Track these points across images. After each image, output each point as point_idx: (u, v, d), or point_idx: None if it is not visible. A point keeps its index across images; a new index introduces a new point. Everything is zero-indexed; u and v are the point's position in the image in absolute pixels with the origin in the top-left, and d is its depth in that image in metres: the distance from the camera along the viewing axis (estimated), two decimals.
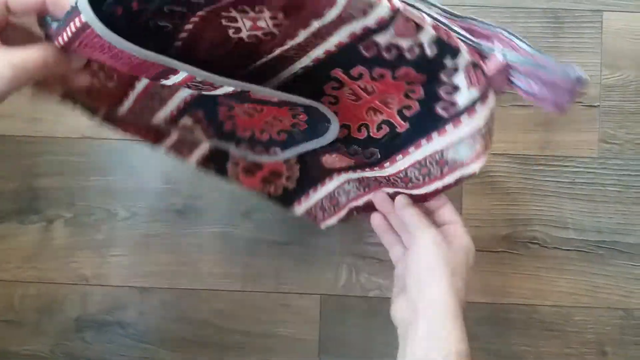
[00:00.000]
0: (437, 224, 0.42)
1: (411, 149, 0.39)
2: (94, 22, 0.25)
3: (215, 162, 0.44)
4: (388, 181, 0.42)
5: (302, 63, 0.34)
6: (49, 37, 0.30)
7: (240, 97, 0.32)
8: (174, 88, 0.37)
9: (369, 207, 0.46)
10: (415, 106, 0.36)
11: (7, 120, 0.52)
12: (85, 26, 0.25)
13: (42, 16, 0.30)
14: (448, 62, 0.32)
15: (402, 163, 0.40)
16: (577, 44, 0.52)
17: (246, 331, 0.52)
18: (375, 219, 0.45)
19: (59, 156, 0.52)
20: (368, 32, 0.30)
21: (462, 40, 0.33)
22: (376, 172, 0.42)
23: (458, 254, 0.39)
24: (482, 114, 0.35)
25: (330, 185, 0.46)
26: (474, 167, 0.37)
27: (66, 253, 0.52)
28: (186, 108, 0.39)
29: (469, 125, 0.35)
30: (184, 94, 0.38)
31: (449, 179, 0.39)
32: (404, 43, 0.31)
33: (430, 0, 0.33)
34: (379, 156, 0.40)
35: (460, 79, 0.33)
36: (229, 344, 0.52)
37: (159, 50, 0.27)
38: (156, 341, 0.52)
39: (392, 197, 0.44)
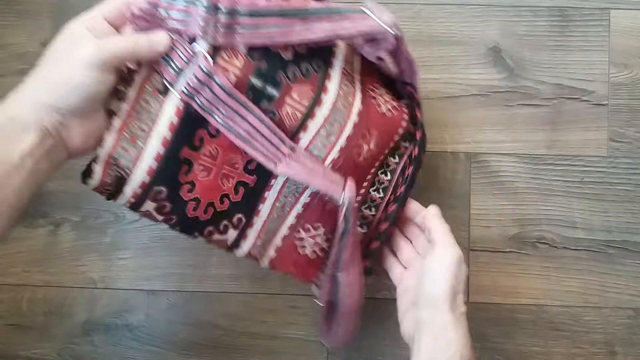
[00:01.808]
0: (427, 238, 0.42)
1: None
2: None
3: None
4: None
5: None
6: None
7: None
8: None
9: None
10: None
11: None
12: None
13: None
14: None
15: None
16: (585, 42, 0.52)
17: (254, 333, 0.52)
18: None
19: None
20: None
21: None
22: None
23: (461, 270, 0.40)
24: None
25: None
26: None
27: (73, 256, 0.52)
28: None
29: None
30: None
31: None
32: None
33: None
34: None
35: None
36: (236, 346, 0.52)
37: None
38: (164, 344, 0.52)
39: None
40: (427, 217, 0.42)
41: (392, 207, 0.45)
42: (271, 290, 0.52)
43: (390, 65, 0.42)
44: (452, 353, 0.37)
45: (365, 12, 0.39)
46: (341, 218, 0.41)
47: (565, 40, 0.52)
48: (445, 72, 0.52)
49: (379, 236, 0.45)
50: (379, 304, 0.51)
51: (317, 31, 0.37)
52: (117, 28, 0.34)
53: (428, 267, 0.40)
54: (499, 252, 0.51)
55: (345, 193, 0.40)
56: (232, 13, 0.35)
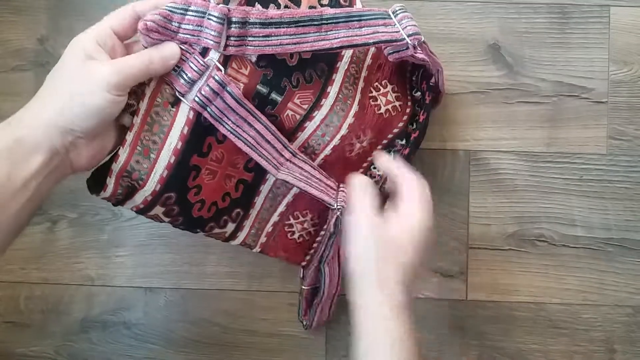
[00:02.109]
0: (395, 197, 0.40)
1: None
2: None
3: None
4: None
5: None
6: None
7: None
8: None
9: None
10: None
11: None
12: None
13: None
14: None
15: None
16: (584, 40, 0.52)
17: (252, 331, 0.52)
18: None
19: None
20: None
21: None
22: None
23: (400, 236, 0.38)
24: None
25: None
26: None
27: (71, 254, 0.52)
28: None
29: None
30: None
31: None
32: None
33: None
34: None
35: None
36: (234, 343, 0.52)
37: None
38: (161, 341, 0.52)
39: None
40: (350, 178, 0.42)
41: None
42: (270, 288, 0.52)
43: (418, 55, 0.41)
44: (391, 341, 0.35)
45: (389, 17, 0.39)
46: (332, 222, 0.42)
47: (565, 37, 0.52)
48: (444, 69, 0.51)
49: None
50: None
51: (332, 40, 0.37)
52: (125, 39, 0.34)
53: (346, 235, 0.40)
54: (497, 250, 0.51)
55: (338, 201, 0.42)
56: (244, 23, 0.35)
